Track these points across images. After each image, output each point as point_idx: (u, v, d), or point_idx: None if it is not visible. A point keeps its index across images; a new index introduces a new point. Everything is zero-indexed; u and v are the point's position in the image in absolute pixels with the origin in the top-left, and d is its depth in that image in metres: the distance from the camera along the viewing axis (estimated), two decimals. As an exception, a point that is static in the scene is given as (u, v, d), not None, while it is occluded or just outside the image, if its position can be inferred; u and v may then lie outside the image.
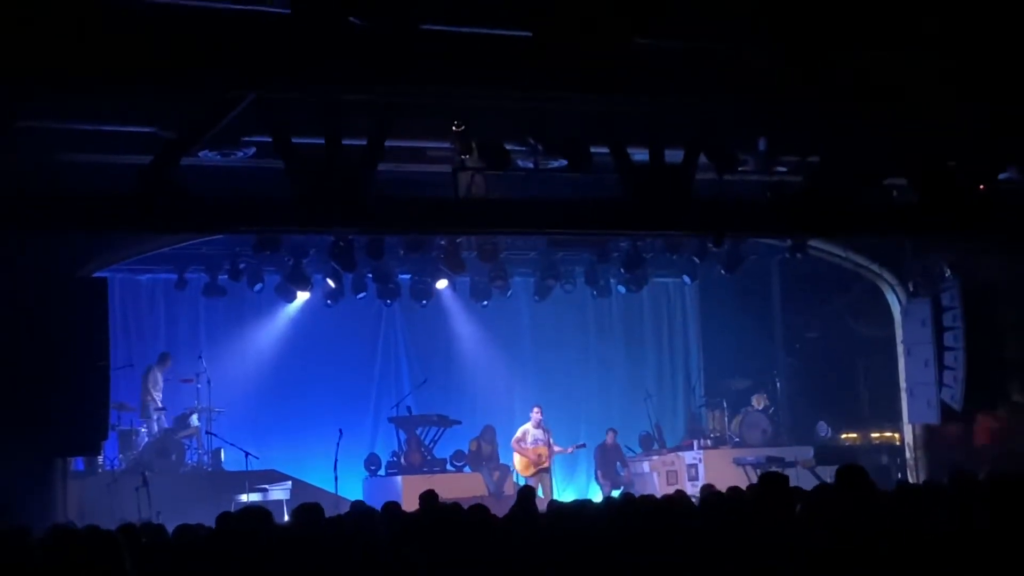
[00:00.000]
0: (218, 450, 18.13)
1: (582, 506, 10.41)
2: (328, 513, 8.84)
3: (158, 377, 18.62)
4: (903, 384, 18.47)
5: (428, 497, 10.34)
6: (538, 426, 18.73)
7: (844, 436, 20.07)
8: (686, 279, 20.71)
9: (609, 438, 19.81)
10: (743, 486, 10.67)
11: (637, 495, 11.65)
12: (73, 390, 14.34)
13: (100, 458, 16.82)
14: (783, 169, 13.67)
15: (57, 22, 9.42)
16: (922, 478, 17.42)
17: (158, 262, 18.13)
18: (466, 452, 19.21)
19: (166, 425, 18.27)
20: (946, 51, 11.07)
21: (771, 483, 7.87)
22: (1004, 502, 6.85)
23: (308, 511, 8.58)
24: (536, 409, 18.92)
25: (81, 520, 13.22)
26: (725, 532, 7.15)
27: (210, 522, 8.59)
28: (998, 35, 10.95)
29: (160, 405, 18.40)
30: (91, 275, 15.43)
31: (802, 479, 15.84)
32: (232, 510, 10.27)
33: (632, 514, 8.01)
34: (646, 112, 12.04)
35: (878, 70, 11.20)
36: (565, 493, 19.63)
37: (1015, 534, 6.52)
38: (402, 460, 18.94)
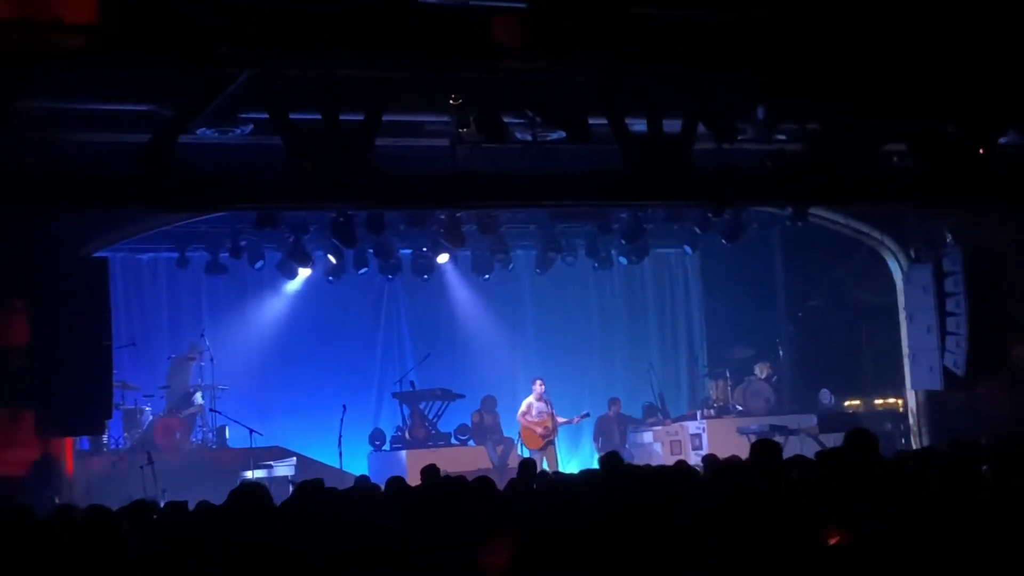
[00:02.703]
0: (222, 427, 18.18)
1: (586, 477, 10.45)
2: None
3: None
4: (906, 350, 18.48)
5: (429, 471, 10.39)
6: (541, 398, 18.71)
7: (847, 403, 20.07)
8: (687, 249, 20.66)
9: (612, 410, 19.81)
10: (746, 456, 10.68)
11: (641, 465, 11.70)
12: (76, 369, 14.39)
13: (105, 437, 16.90)
14: (782, 137, 13.62)
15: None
16: (925, 444, 17.44)
17: (159, 241, 18.18)
18: (470, 426, 19.23)
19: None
20: (944, 14, 11.03)
21: (762, 450, 7.90)
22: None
23: (310, 487, 8.61)
24: (538, 381, 18.92)
25: (88, 499, 13.25)
26: (722, 500, 7.17)
27: (215, 499, 8.61)
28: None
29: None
30: (92, 255, 15.44)
31: (806, 447, 15.89)
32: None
33: (634, 483, 8.03)
34: (644, 82, 11.99)
35: (876, 35, 11.16)
36: (570, 464, 19.63)
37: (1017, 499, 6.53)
38: (406, 435, 18.96)
